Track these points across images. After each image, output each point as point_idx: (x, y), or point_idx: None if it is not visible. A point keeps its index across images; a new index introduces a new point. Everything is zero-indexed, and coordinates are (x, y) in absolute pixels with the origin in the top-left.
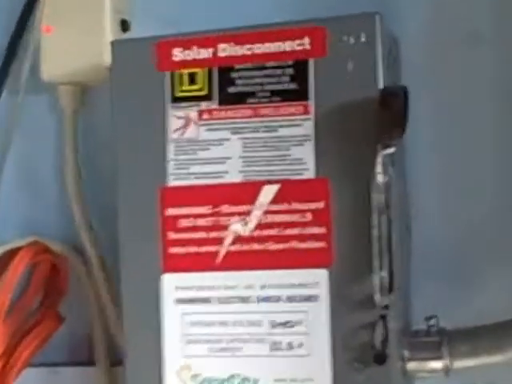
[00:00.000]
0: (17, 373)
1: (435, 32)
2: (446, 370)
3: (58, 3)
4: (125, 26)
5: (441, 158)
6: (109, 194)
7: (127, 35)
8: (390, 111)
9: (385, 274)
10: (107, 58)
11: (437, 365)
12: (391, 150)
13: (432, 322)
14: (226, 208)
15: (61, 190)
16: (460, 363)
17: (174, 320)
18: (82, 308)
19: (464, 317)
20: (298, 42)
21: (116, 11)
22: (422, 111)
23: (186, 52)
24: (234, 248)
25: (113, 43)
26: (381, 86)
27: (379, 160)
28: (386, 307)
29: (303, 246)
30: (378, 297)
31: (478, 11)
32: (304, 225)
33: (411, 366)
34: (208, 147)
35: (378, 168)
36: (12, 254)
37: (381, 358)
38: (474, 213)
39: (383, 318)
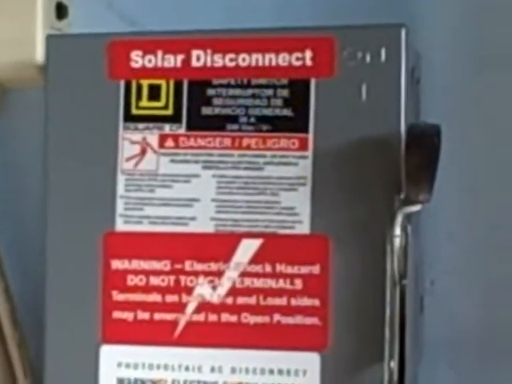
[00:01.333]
0: None
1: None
2: None
3: None
4: (61, 11)
5: (469, 211)
6: (29, 231)
7: (64, 24)
8: (421, 157)
9: (394, 364)
10: (36, 53)
11: None
12: (417, 208)
13: None
14: (190, 265)
15: None
16: None
17: None
18: None
19: None
20: (296, 55)
21: None
22: (447, 154)
23: (148, 57)
24: (198, 318)
25: (48, 38)
26: (404, 120)
27: (399, 219)
28: None
29: (290, 321)
30: None
31: None
32: (292, 294)
33: None
34: (170, 184)
35: (397, 229)
36: None
37: None
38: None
39: None
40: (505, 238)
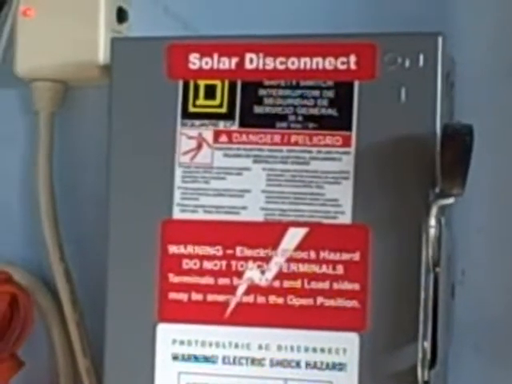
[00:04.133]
0: None
1: (497, 58)
2: None
3: None
4: (122, 15)
5: (498, 206)
6: (89, 219)
7: (123, 27)
8: (455, 154)
9: (427, 344)
10: (99, 54)
11: None
12: (450, 201)
13: None
14: (240, 251)
15: (29, 210)
16: None
17: (168, 379)
18: (46, 352)
19: None
20: (342, 59)
21: None
22: (479, 152)
23: (205, 59)
24: (247, 299)
25: (113, 41)
26: (439, 120)
27: (434, 211)
28: (428, 383)
29: (331, 303)
30: (419, 371)
31: None
32: (334, 278)
33: None
34: (224, 176)
35: (432, 220)
36: None
37: None
38: None
39: None
40: None
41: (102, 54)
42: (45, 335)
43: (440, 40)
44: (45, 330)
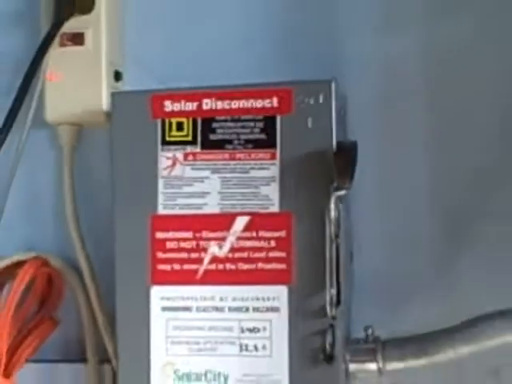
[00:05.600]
0: (18, 368)
1: (376, 92)
2: (380, 372)
3: (62, 56)
4: (118, 76)
5: (379, 201)
6: (100, 219)
7: (119, 84)
8: (344, 161)
9: (334, 290)
10: (103, 104)
11: (372, 367)
12: (343, 193)
13: (369, 331)
14: (205, 234)
15: (59, 214)
16: (391, 366)
17: (160, 324)
18: (75, 313)
19: (396, 328)
20: (268, 100)
21: (111, 63)
22: (367, 159)
23: (176, 104)
24: (211, 267)
25: (113, 94)
26: (335, 139)
27: (333, 199)
28: (334, 318)
29: (268, 267)
30: (329, 309)
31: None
32: (269, 250)
33: (352, 367)
34: (191, 183)
35: (332, 206)
36: (15, 266)
37: (330, 359)
38: (403, 244)
39: (332, 326)
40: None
41: (105, 104)
42: (72, 302)
43: (333, 84)
44: (72, 299)
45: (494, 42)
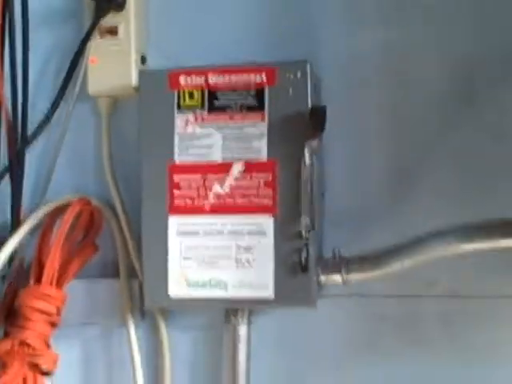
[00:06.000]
0: (67, 282)
1: (343, 73)
2: (344, 282)
3: (100, 44)
4: (143, 60)
5: (345, 153)
6: (130, 169)
7: (145, 66)
8: (316, 119)
9: (308, 219)
10: (132, 80)
11: (338, 278)
12: (315, 143)
13: (336, 251)
14: (210, 176)
15: (99, 167)
16: (353, 277)
17: (175, 245)
18: (110, 241)
19: (357, 248)
20: (258, 75)
21: (138, 50)
22: (336, 121)
23: (188, 79)
24: (214, 201)
25: (140, 72)
26: (309, 104)
27: (307, 148)
28: (308, 239)
29: (258, 201)
30: (304, 232)
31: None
32: (259, 188)
33: (322, 278)
34: (200, 138)
35: (306, 154)
36: (65, 206)
37: (305, 269)
38: (364, 186)
39: (306, 245)
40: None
41: (134, 80)
42: (109, 232)
43: (308, 65)
44: (109, 230)
45: (441, 39)
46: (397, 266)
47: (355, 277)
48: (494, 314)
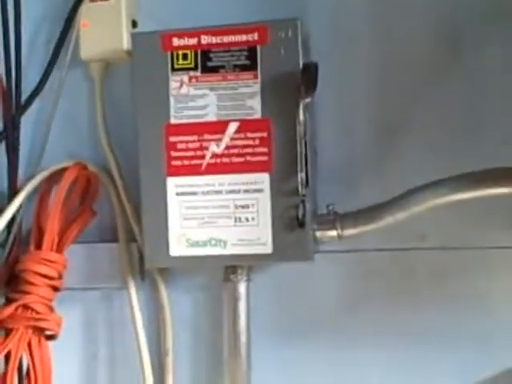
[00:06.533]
0: (67, 246)
1: (332, 31)
2: (339, 237)
3: (92, 9)
4: (134, 24)
5: (336, 111)
6: (125, 133)
7: (135, 30)
8: (308, 76)
9: (303, 175)
10: (124, 44)
11: (333, 233)
12: (308, 100)
13: (330, 208)
14: (206, 136)
15: (93, 131)
16: (347, 232)
17: (174, 206)
18: (108, 205)
19: (351, 204)
20: (250, 35)
21: (129, 14)
22: (326, 79)
23: (181, 40)
24: (211, 161)
25: (133, 35)
26: (301, 63)
27: (301, 106)
28: (304, 195)
29: (254, 159)
30: (300, 188)
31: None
32: (254, 147)
33: (318, 234)
34: (195, 99)
35: (300, 111)
36: (61, 171)
37: (302, 225)
38: (353, 142)
39: (303, 201)
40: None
41: (125, 44)
42: (106, 197)
43: (299, 22)
44: (106, 195)
45: None
46: (389, 219)
47: (350, 232)
48: (485, 264)
